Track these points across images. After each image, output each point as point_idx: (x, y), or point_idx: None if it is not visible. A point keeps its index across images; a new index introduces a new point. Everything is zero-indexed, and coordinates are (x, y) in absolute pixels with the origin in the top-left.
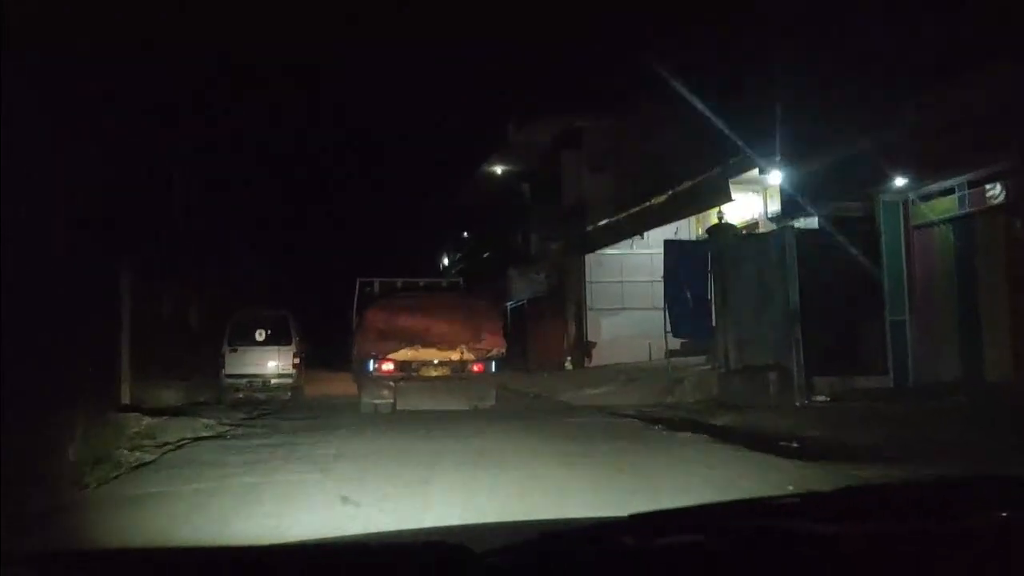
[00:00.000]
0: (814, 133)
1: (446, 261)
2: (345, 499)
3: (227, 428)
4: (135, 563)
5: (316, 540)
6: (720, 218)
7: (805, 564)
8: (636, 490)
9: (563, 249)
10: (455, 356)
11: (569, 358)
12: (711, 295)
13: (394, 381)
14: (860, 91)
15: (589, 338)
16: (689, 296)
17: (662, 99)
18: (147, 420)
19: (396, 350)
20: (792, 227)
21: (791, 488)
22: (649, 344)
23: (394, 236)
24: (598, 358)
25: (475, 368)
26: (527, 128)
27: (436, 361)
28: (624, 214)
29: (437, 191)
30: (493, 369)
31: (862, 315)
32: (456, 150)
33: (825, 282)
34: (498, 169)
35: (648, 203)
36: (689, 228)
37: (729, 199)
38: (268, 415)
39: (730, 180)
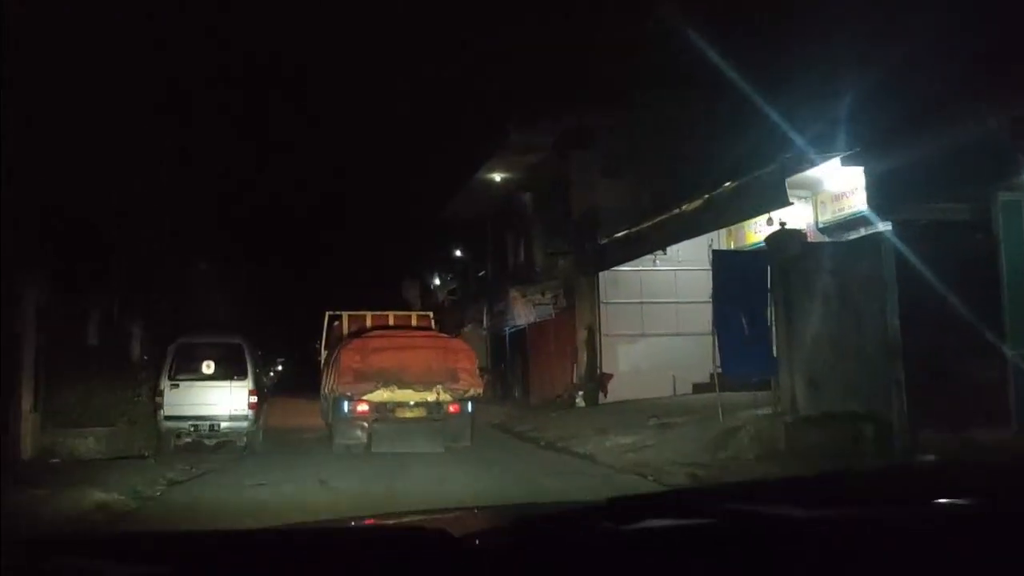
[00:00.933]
0: (905, 114)
1: (436, 281)
2: None
3: (137, 503)
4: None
5: (297, 524)
6: (768, 222)
7: (784, 547)
8: None
9: (572, 266)
10: (431, 397)
11: (580, 393)
12: (772, 320)
13: (368, 422)
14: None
15: (604, 369)
16: (744, 322)
17: (690, 88)
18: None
19: (372, 391)
20: (888, 233)
21: None
22: (673, 377)
23: (378, 255)
24: (615, 393)
25: (451, 408)
26: (529, 128)
27: (412, 402)
28: (647, 224)
29: (426, 204)
30: (469, 409)
31: (969, 348)
32: (447, 157)
33: (918, 305)
34: (496, 176)
35: (677, 210)
36: (719, 244)
37: (785, 202)
38: (212, 473)
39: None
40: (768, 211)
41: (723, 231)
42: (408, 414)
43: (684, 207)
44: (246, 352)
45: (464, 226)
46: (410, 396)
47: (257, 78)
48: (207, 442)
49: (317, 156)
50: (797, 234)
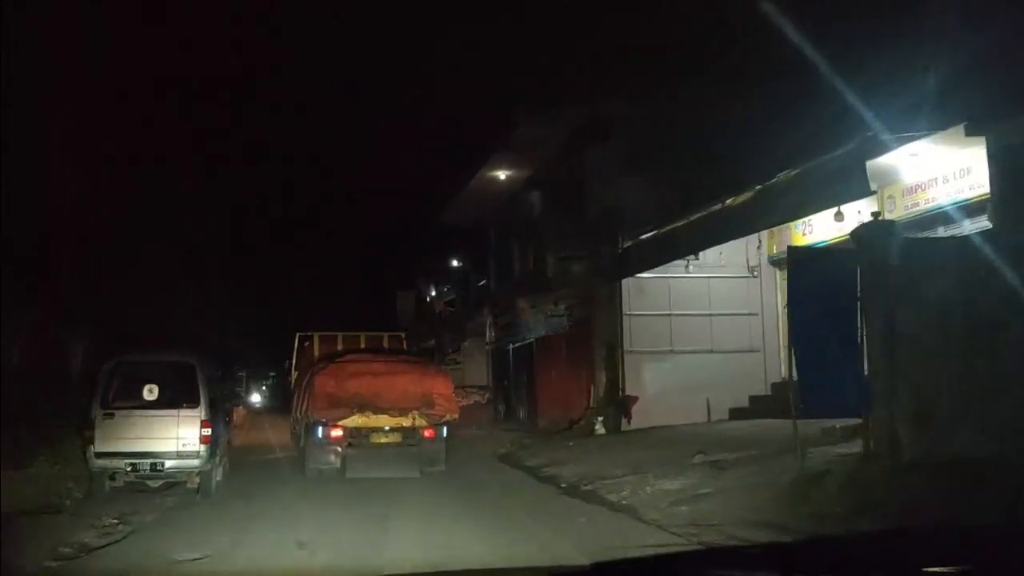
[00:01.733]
0: None
1: (433, 292)
2: None
3: None
4: None
5: None
6: (837, 217)
7: None
8: None
9: (589, 272)
10: (407, 423)
11: (600, 419)
12: (862, 336)
13: (342, 447)
14: None
15: (627, 391)
16: (831, 341)
17: (729, 69)
18: None
19: (346, 417)
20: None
21: None
22: (707, 401)
23: (371, 265)
24: (640, 418)
25: (426, 433)
26: (540, 119)
27: (387, 428)
28: (679, 223)
29: (423, 208)
30: (444, 433)
31: None
32: (447, 154)
33: None
34: (501, 174)
35: (719, 205)
36: (756, 249)
37: (865, 191)
38: (143, 531)
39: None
40: (839, 203)
41: (763, 234)
42: (383, 439)
43: (730, 201)
44: (199, 374)
45: (464, 231)
46: (385, 421)
47: (227, 70)
48: (151, 483)
49: (303, 156)
50: (892, 226)
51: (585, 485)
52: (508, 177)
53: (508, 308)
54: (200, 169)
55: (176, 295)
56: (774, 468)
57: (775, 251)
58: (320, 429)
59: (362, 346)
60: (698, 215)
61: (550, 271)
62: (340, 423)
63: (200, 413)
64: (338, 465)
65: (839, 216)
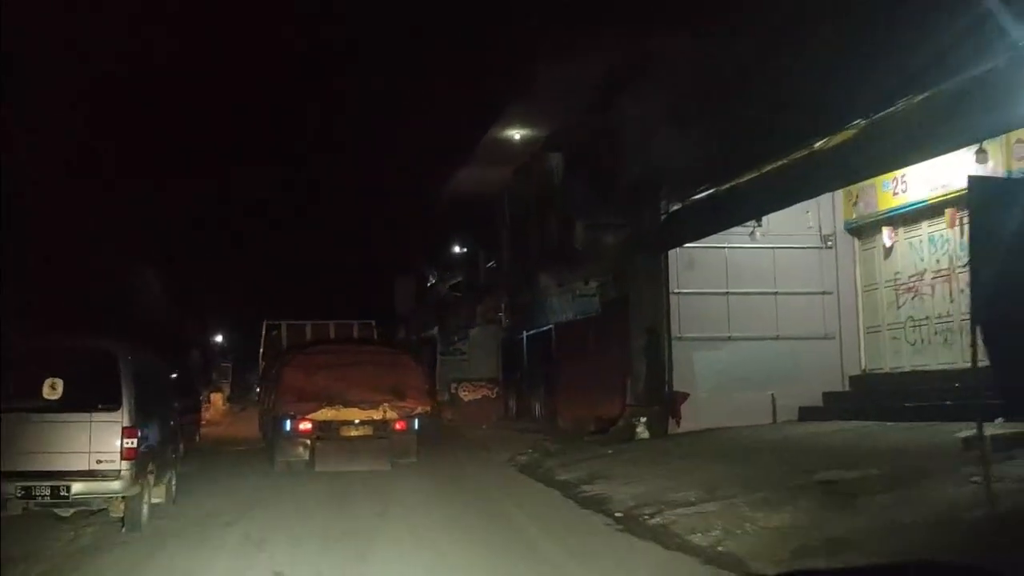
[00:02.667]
0: None
1: (436, 276)
2: None
3: None
4: None
5: None
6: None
7: None
8: None
9: (626, 243)
10: (377, 416)
11: (642, 419)
12: None
13: (311, 440)
14: None
15: (674, 386)
16: None
17: None
18: None
19: (315, 410)
20: None
21: None
22: (773, 398)
23: (367, 249)
24: (689, 419)
25: (397, 426)
26: (563, 62)
27: (357, 421)
28: (748, 175)
29: (423, 181)
30: (416, 426)
31: None
32: (450, 115)
33: None
34: (515, 134)
35: (805, 151)
36: (825, 212)
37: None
38: None
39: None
40: (980, 138)
41: (837, 194)
42: (353, 432)
43: (821, 145)
44: (121, 366)
45: (473, 206)
46: (355, 415)
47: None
48: (60, 512)
49: (293, 125)
50: None
51: (649, 515)
52: (523, 138)
53: (527, 288)
54: (183, 149)
55: (145, 282)
56: (929, 495)
57: (854, 215)
58: (288, 423)
59: (332, 335)
60: (777, 164)
61: (578, 243)
62: (309, 416)
63: (122, 417)
64: (307, 458)
65: (982, 155)
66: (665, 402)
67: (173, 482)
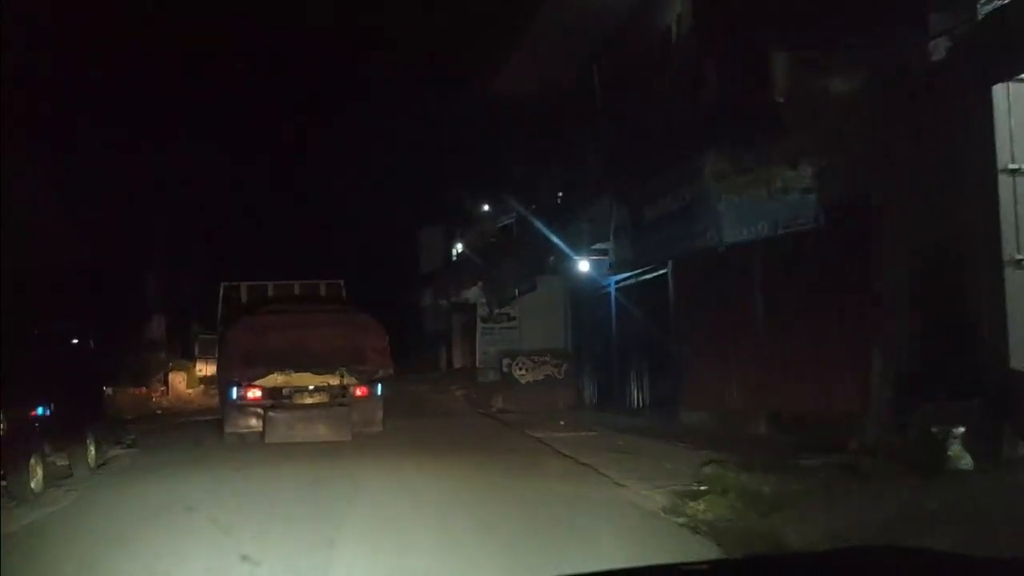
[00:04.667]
0: None
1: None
2: None
3: None
4: None
5: None
6: None
7: None
8: None
9: (887, 85)
10: (334, 381)
11: (957, 432)
12: None
13: (263, 409)
14: None
15: (1014, 363)
16: None
17: None
18: None
19: (263, 376)
20: None
21: None
22: None
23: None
24: None
25: (358, 392)
26: None
27: (311, 387)
28: None
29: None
30: (379, 391)
31: None
32: None
33: None
34: None
35: None
36: None
37: None
38: None
39: None
40: None
41: None
42: (308, 400)
43: None
44: None
45: (536, 101)
46: (309, 380)
47: None
48: None
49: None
50: None
51: None
52: None
53: (676, 182)
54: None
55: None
56: None
57: None
58: (235, 390)
59: (296, 295)
60: None
61: (779, 93)
62: (257, 383)
63: None
64: (260, 429)
65: None
66: (996, 395)
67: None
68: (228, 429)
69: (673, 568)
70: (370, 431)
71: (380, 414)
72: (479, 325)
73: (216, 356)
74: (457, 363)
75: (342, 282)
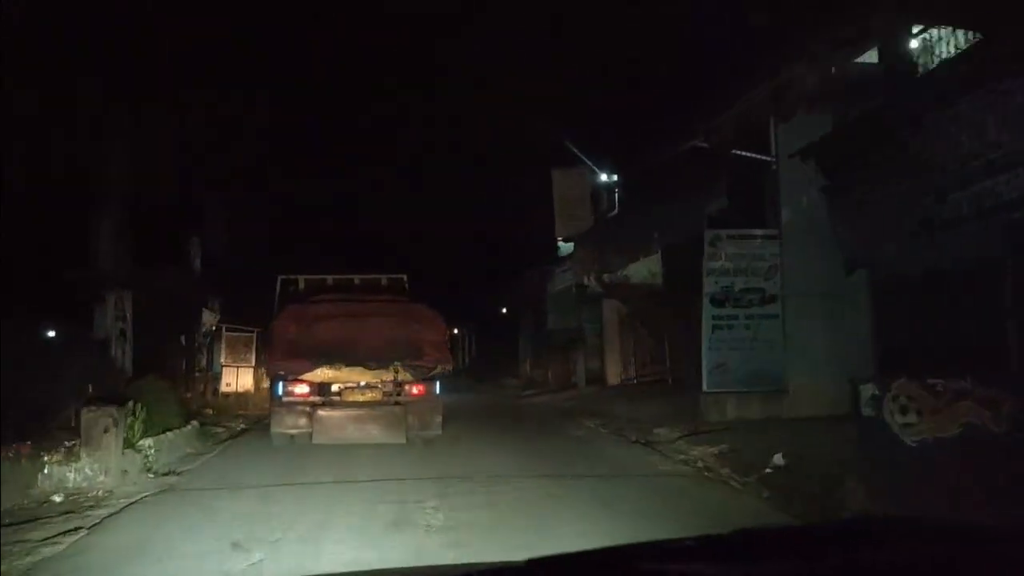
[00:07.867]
0: None
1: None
2: None
3: None
4: None
5: None
6: None
7: None
8: None
9: None
10: (387, 377)
11: None
12: None
13: (311, 407)
14: None
15: None
16: None
17: None
18: None
19: (311, 370)
20: None
21: None
22: None
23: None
24: None
25: (414, 391)
26: None
27: (363, 383)
28: None
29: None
30: (437, 391)
31: None
32: None
33: None
34: None
35: None
36: None
37: None
38: None
39: None
40: None
41: None
42: (359, 397)
43: None
44: None
45: None
46: (360, 376)
47: None
48: None
49: None
50: None
51: None
52: None
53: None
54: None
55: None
56: None
57: None
58: (281, 385)
59: (356, 286)
60: None
61: None
62: (304, 377)
63: None
64: (309, 429)
65: None
66: None
67: None
68: (274, 429)
69: (657, 545)
70: (427, 434)
71: (439, 417)
72: (706, 314)
73: (265, 351)
74: (611, 375)
75: (405, 276)
